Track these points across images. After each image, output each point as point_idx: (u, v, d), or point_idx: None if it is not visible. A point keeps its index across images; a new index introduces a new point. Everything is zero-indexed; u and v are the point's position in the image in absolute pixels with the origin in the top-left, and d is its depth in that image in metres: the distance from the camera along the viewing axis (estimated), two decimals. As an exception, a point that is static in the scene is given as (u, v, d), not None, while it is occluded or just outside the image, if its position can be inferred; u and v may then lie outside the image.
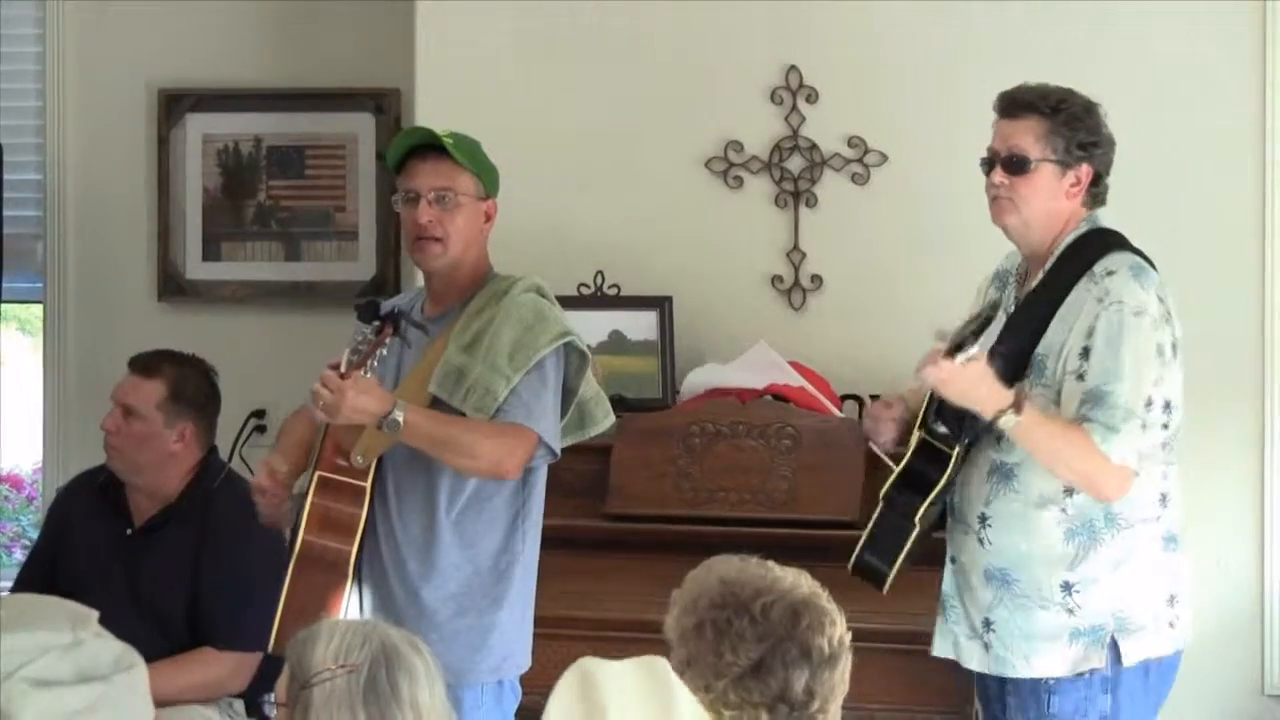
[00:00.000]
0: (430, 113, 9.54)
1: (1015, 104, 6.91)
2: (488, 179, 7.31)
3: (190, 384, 8.35)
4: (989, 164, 6.87)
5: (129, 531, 8.20)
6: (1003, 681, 6.82)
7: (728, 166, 9.39)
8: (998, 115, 6.99)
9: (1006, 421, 6.33)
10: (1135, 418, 6.45)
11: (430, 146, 7.22)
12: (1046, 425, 6.49)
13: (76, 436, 10.62)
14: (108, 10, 11.23)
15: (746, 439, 8.70)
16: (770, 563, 4.86)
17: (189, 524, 8.18)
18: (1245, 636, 8.78)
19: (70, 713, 3.95)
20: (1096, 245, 6.82)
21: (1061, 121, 6.79)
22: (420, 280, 7.94)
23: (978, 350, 6.27)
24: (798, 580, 4.70)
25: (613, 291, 9.15)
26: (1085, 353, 6.57)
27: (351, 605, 7.07)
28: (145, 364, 8.38)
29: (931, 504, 6.85)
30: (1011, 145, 6.81)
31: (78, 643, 4.06)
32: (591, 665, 3.37)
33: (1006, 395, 6.34)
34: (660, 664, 3.44)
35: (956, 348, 6.22)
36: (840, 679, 4.64)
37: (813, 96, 9.32)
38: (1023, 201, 6.76)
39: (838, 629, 4.63)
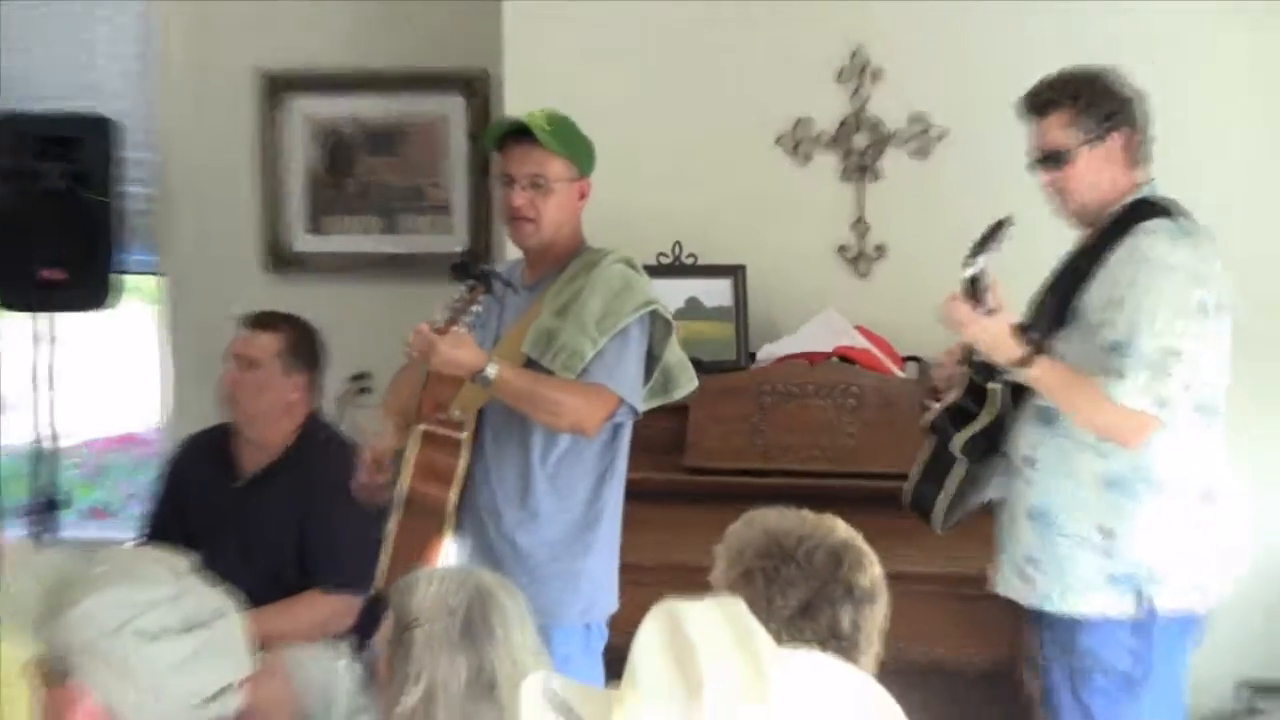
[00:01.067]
0: (517, 95, 9.95)
1: (1039, 103, 7.28)
2: (581, 161, 7.67)
3: (304, 339, 8.87)
4: (1034, 163, 7.30)
5: (237, 484, 8.66)
6: (1041, 615, 7.26)
7: (797, 143, 9.81)
8: (1028, 118, 7.38)
9: (1019, 373, 6.86)
10: (1152, 367, 6.76)
11: (525, 132, 7.61)
12: (1060, 376, 6.88)
13: (192, 399, 10.76)
14: None
15: (814, 398, 9.11)
16: (805, 511, 5.23)
17: (296, 475, 8.67)
18: (1276, 585, 9.08)
19: (179, 661, 3.93)
20: (1144, 210, 7.09)
21: (1084, 104, 7.17)
22: (517, 251, 8.23)
23: (980, 264, 6.67)
24: (834, 525, 5.18)
25: (690, 261, 9.58)
26: (1116, 304, 6.89)
27: (450, 551, 7.48)
28: (261, 319, 8.88)
29: (974, 437, 7.28)
30: (1047, 142, 7.23)
31: (180, 593, 4.05)
32: (676, 606, 3.16)
33: (1016, 349, 6.74)
34: (736, 602, 3.18)
35: (970, 283, 6.74)
36: (881, 613, 5.08)
37: (877, 75, 9.75)
38: (1074, 190, 7.16)
39: (876, 568, 5.07)
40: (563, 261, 7.69)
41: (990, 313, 6.68)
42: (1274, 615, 9.25)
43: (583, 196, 7.70)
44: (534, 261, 7.77)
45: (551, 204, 7.53)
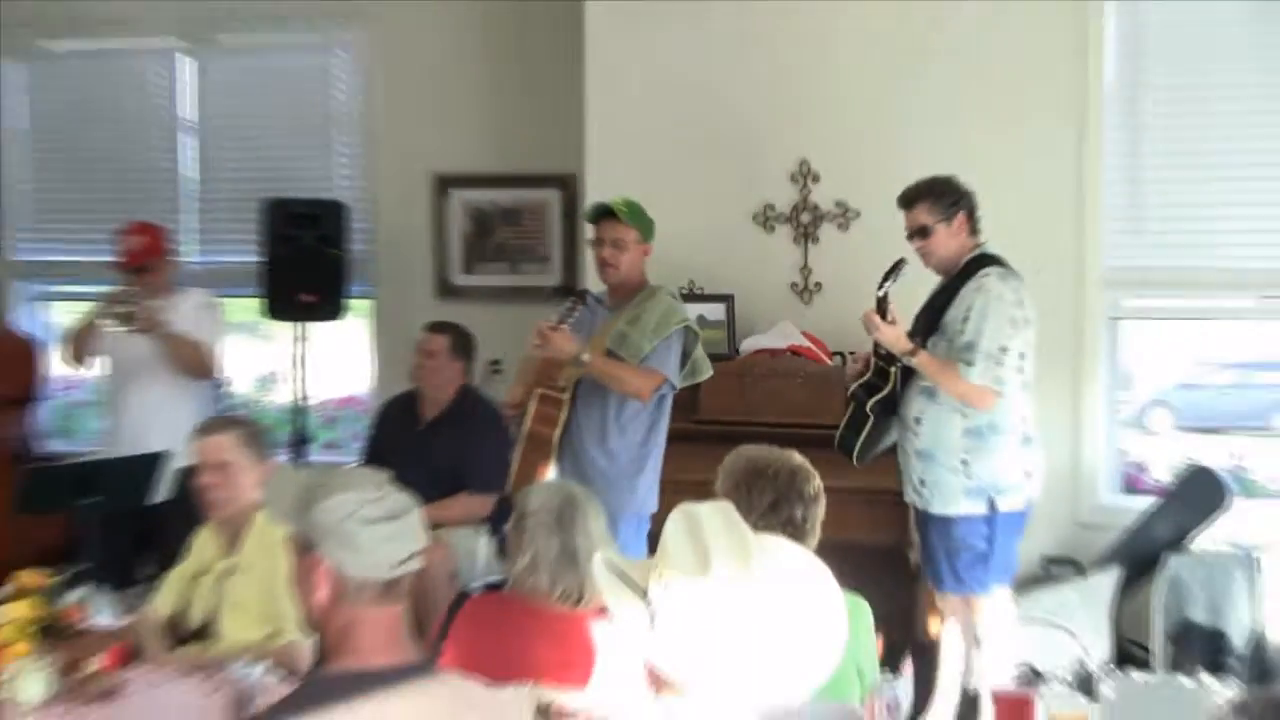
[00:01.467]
0: (593, 189, 10.92)
1: (909, 198, 8.58)
2: (646, 231, 8.92)
3: (462, 338, 10.26)
4: (909, 236, 8.56)
5: (419, 428, 10.15)
6: (928, 516, 8.53)
7: (765, 219, 10.92)
8: (902, 208, 8.62)
9: (908, 360, 8.26)
10: (990, 358, 8.11)
11: (610, 212, 8.88)
12: (934, 363, 8.23)
13: (389, 376, 11.91)
14: (405, 121, 12.45)
15: (777, 377, 10.18)
16: (773, 446, 6.34)
17: (455, 421, 10.10)
18: (1065, 494, 10.20)
19: (384, 538, 4.30)
20: (982, 261, 8.39)
21: (937, 197, 8.47)
22: (600, 285, 9.25)
23: (886, 289, 8.16)
24: (791, 455, 6.25)
25: (699, 291, 10.60)
26: (965, 319, 8.20)
27: (552, 471, 8.75)
28: (437, 326, 10.28)
29: (880, 401, 8.54)
30: (915, 223, 8.54)
31: (384, 495, 4.40)
32: (690, 506, 3.75)
33: (908, 345, 8.21)
34: (729, 504, 3.79)
35: (879, 302, 8.17)
36: (821, 511, 6.14)
37: (816, 177, 10.79)
38: (934, 251, 8.53)
39: (818, 481, 6.16)
40: (632, 293, 8.98)
41: (891, 322, 8.14)
42: (1058, 513, 10.14)
43: (646, 254, 8.95)
44: (613, 293, 9.08)
45: (626, 258, 8.83)
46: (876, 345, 8.54)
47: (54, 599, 6.38)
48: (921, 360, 8.25)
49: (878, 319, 8.19)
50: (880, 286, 8.22)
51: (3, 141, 13.41)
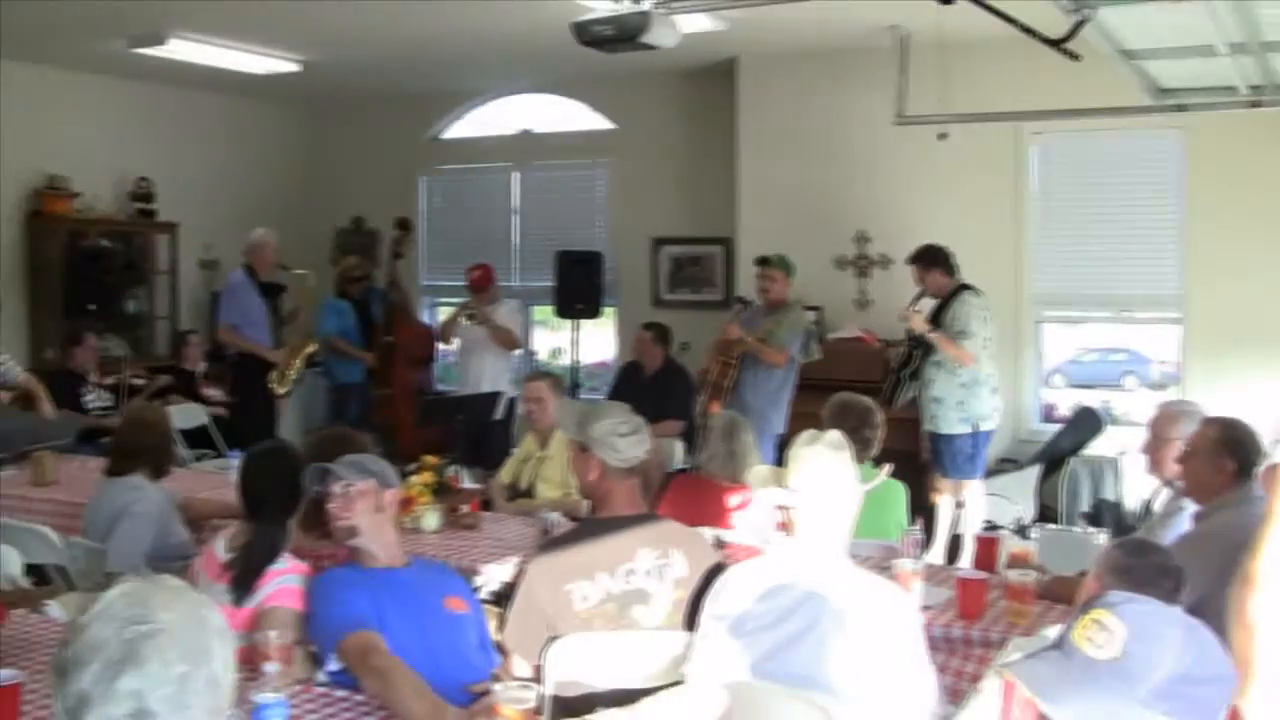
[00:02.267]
0: (744, 248, 11.08)
1: (912, 260, 8.84)
2: (789, 272, 9.19)
3: (663, 331, 10.18)
4: (918, 282, 8.84)
5: (643, 380, 10.04)
6: (937, 436, 8.76)
7: (840, 263, 10.92)
8: (912, 265, 8.87)
9: (930, 337, 8.48)
10: (970, 338, 8.45)
11: (769, 261, 9.21)
12: (943, 337, 8.44)
13: (623, 351, 11.80)
14: (633, 205, 12.55)
15: (850, 355, 10.12)
16: (855, 394, 6.50)
17: (662, 377, 10.02)
18: (1010, 422, 9.89)
19: (629, 444, 4.31)
20: (963, 288, 8.66)
21: (929, 260, 8.78)
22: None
23: (919, 306, 8.63)
24: (865, 400, 6.38)
25: (808, 305, 9.89)
26: (954, 318, 8.50)
27: (720, 409, 8.48)
28: (649, 325, 10.26)
29: (911, 369, 8.78)
30: (918, 273, 8.82)
31: (629, 418, 4.40)
32: (814, 431, 3.91)
33: (928, 327, 8.48)
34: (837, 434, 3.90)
35: (911, 304, 8.59)
36: (882, 432, 6.26)
37: (867, 239, 10.85)
38: (932, 287, 8.78)
39: (880, 415, 6.32)
40: (779, 306, 9.17)
41: (918, 313, 8.50)
42: (1005, 433, 9.97)
43: (789, 285, 9.16)
44: (769, 305, 9.18)
45: (776, 287, 9.09)
46: (909, 335, 8.71)
47: (441, 472, 6.59)
48: (935, 336, 8.45)
49: (910, 311, 8.55)
50: (914, 300, 8.69)
51: (423, 224, 13.77)
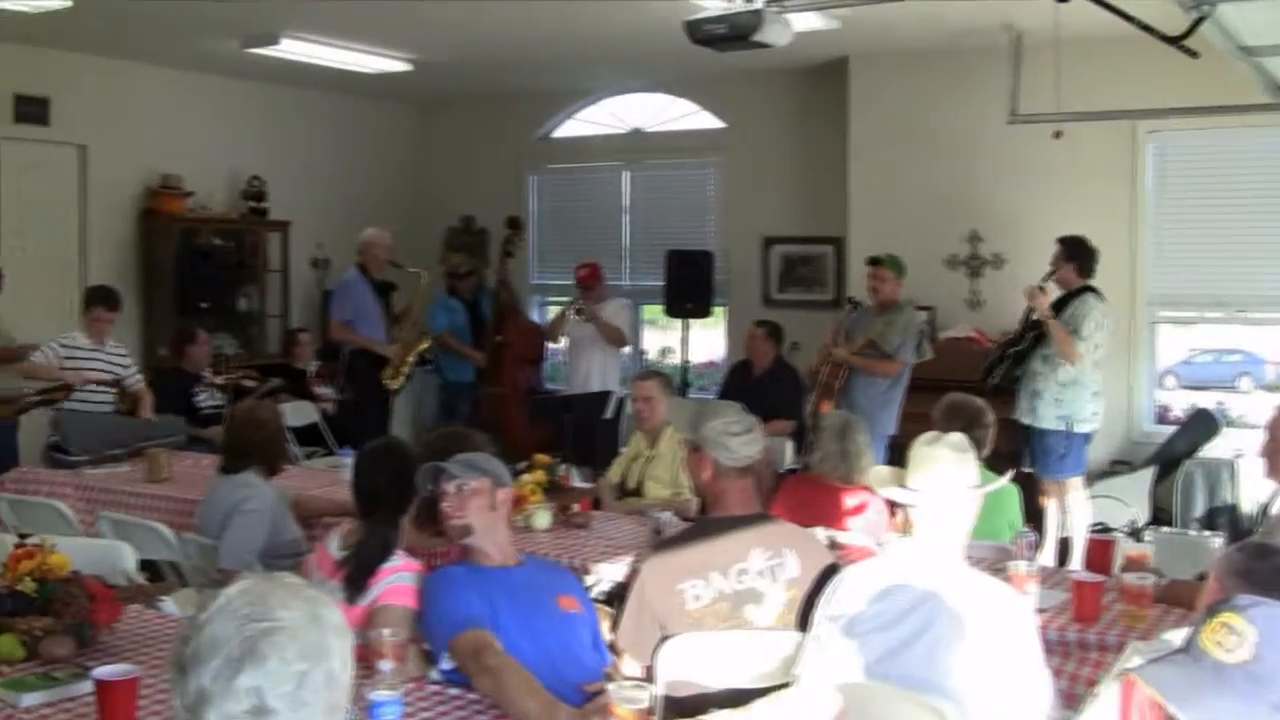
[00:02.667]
0: (855, 246, 11.03)
1: (1064, 242, 8.72)
2: (900, 272, 9.16)
3: (775, 330, 10.12)
4: (1051, 262, 8.75)
5: (753, 379, 9.98)
6: (1032, 430, 8.68)
7: (952, 263, 10.86)
8: (1058, 245, 8.74)
9: (1049, 322, 8.42)
10: (1085, 339, 8.39)
11: (879, 261, 9.18)
12: (1059, 327, 8.39)
13: (734, 350, 11.87)
14: (744, 203, 12.50)
15: (962, 354, 9.93)
16: (966, 394, 6.53)
17: (773, 376, 9.96)
18: (1123, 423, 10.11)
19: (742, 443, 4.35)
20: (1086, 289, 8.58)
21: (1069, 251, 8.70)
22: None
23: (1046, 280, 8.58)
24: (975, 400, 6.38)
25: (919, 305, 9.89)
26: (1072, 316, 8.43)
27: (832, 408, 8.70)
28: (760, 323, 10.22)
29: (1015, 351, 8.82)
30: (1055, 258, 8.71)
31: (741, 418, 4.39)
32: (934, 433, 3.93)
33: (1050, 312, 8.42)
34: (960, 435, 3.93)
35: (1039, 289, 8.47)
36: (993, 432, 6.22)
37: (979, 239, 10.75)
38: (1061, 280, 8.69)
39: (991, 415, 6.28)
40: (889, 306, 9.12)
41: (1048, 297, 8.39)
42: (1118, 434, 10.12)
43: (900, 285, 9.11)
44: (879, 306, 9.14)
45: (886, 287, 9.04)
46: (1027, 316, 8.71)
47: (553, 470, 6.61)
48: (1053, 323, 8.39)
49: (1037, 289, 8.48)
50: (1046, 276, 8.61)
51: (533, 223, 13.95)
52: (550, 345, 11.96)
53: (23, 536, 4.37)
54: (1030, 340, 8.74)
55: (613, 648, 4.26)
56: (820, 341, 9.55)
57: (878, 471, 4.06)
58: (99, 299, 8.98)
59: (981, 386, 8.30)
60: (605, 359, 10.71)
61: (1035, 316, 8.62)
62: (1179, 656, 2.41)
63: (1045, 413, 8.65)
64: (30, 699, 3.47)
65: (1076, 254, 8.72)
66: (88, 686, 3.43)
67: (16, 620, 3.79)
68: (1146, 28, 5.95)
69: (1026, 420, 8.71)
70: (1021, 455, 8.71)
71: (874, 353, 9.08)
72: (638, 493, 7.13)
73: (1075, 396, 8.60)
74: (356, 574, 4.20)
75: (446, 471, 4.19)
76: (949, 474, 3.82)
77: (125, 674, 3.34)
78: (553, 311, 12.29)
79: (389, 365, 10.29)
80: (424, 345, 10.63)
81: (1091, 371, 8.60)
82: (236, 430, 6.32)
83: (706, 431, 4.44)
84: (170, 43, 10.87)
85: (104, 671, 3.35)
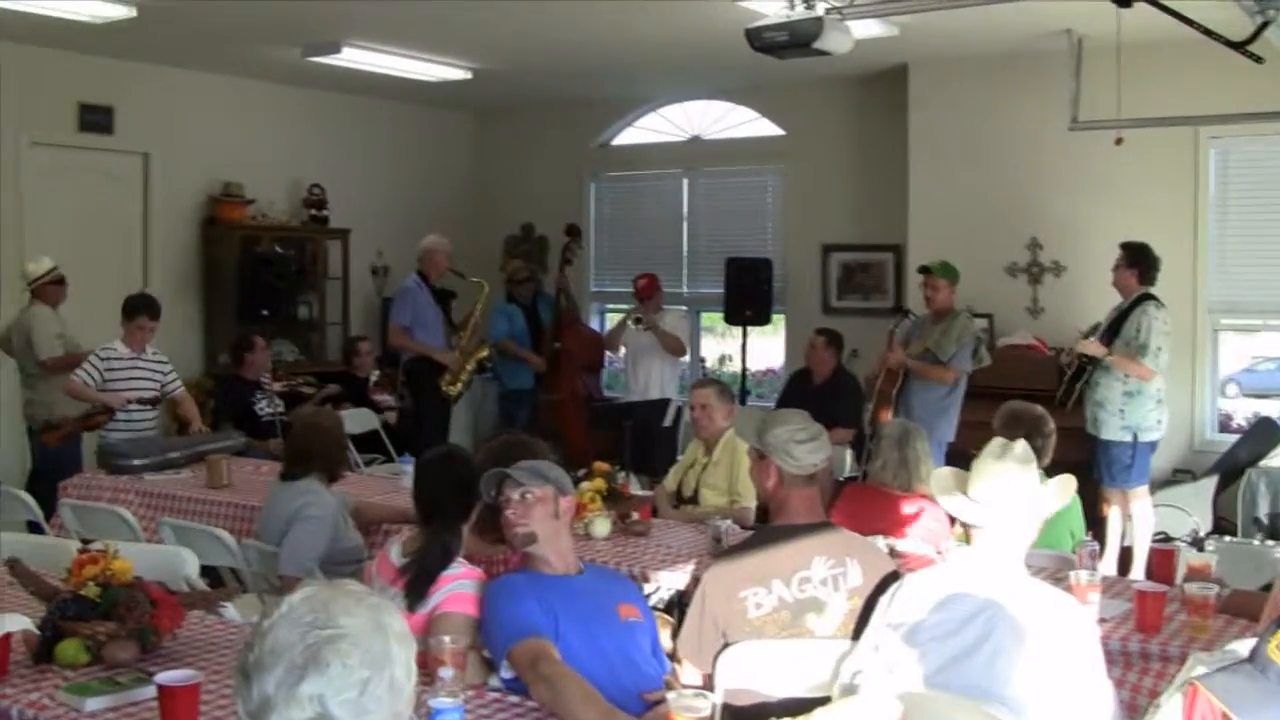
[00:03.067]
0: (914, 254, 10.96)
1: (1127, 248, 8.70)
2: (953, 279, 9.12)
3: (835, 338, 10.07)
4: (1114, 268, 8.71)
5: (813, 387, 9.91)
6: (1098, 441, 8.67)
7: (1012, 270, 10.73)
8: (1121, 250, 8.72)
9: (1108, 361, 8.47)
10: (1152, 355, 8.35)
11: (930, 269, 9.16)
12: (1121, 358, 8.41)
13: (793, 358, 11.76)
14: (804, 211, 12.47)
15: (1021, 362, 10.04)
16: (1026, 402, 6.56)
17: (833, 384, 9.88)
18: (1185, 432, 10.03)
19: (808, 450, 4.38)
20: (1146, 297, 8.55)
21: (1129, 258, 8.66)
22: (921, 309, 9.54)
23: (1095, 336, 8.55)
24: (1036, 408, 6.39)
25: (975, 311, 9.76)
26: (1136, 329, 8.41)
27: (891, 417, 8.77)
28: (821, 331, 10.18)
29: (1081, 382, 8.70)
30: (1118, 271, 8.70)
31: (805, 426, 4.39)
32: (1002, 443, 3.86)
33: (1104, 350, 8.46)
34: (1023, 443, 3.85)
35: (1091, 332, 8.55)
36: (1054, 441, 6.24)
37: (1038, 246, 10.65)
38: (1121, 287, 8.67)
39: (1052, 424, 6.29)
40: (944, 314, 9.12)
41: (1091, 339, 8.44)
42: (1181, 443, 10.05)
43: (953, 291, 9.08)
44: (935, 313, 9.17)
45: (939, 296, 9.03)
46: (1082, 353, 8.66)
47: (612, 478, 6.61)
48: (1115, 359, 8.41)
49: (1086, 342, 8.52)
50: (1089, 331, 8.64)
51: (592, 231, 13.90)
52: (609, 354, 12.01)
53: (85, 542, 4.43)
54: (1089, 368, 8.78)
55: (672, 656, 4.27)
56: (878, 349, 9.57)
57: (940, 474, 3.96)
58: (143, 308, 8.90)
59: (1059, 407, 8.26)
60: (664, 367, 10.76)
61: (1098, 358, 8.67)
62: (1244, 666, 2.39)
63: (1110, 423, 8.63)
64: (94, 704, 3.50)
65: (1138, 260, 8.70)
66: (150, 691, 3.46)
67: (80, 625, 3.81)
68: (1210, 33, 5.89)
69: (1091, 431, 8.70)
70: (1087, 464, 8.65)
71: (930, 359, 9.11)
72: (694, 500, 7.11)
73: (1139, 406, 8.58)
74: (417, 581, 4.20)
75: (511, 478, 4.20)
76: (1013, 487, 3.78)
77: (188, 679, 3.37)
78: (611, 319, 12.37)
79: (447, 372, 10.33)
80: (483, 353, 10.70)
81: (1155, 379, 8.60)
82: (297, 436, 6.34)
83: (771, 439, 4.45)
84: (232, 51, 10.96)
85: (167, 677, 3.38)
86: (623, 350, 11.22)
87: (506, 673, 3.82)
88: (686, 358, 11.42)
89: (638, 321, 10.73)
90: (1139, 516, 8.74)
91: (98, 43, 10.27)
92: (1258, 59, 5.91)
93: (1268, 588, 3.90)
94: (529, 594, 3.97)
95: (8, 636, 3.78)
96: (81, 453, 9.30)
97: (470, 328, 10.61)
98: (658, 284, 11.00)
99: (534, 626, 3.84)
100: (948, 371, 9.04)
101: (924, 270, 9.34)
